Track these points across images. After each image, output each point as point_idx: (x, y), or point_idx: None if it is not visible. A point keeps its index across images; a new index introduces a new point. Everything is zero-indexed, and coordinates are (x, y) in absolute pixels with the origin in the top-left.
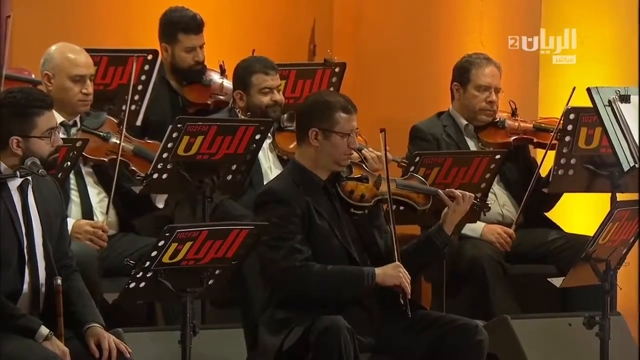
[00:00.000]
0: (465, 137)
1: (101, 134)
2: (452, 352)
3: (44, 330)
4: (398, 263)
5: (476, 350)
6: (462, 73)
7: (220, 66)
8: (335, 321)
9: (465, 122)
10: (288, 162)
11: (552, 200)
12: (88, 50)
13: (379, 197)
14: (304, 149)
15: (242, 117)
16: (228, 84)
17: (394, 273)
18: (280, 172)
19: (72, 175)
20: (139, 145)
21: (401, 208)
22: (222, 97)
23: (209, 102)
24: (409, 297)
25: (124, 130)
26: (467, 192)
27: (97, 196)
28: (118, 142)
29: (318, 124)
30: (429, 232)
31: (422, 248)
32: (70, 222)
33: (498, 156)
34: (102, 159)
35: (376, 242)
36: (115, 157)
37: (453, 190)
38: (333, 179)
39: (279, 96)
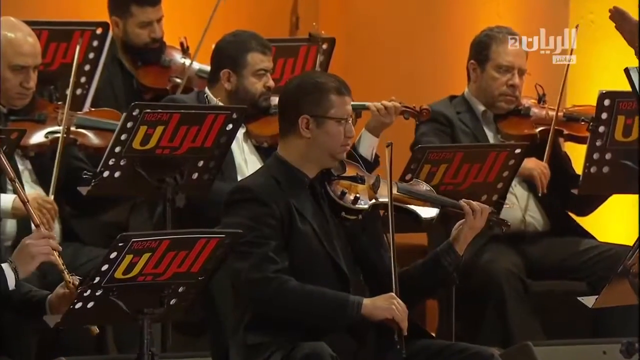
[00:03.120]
0: (484, 126)
1: (35, 118)
2: None
3: None
4: (392, 294)
5: None
6: (481, 49)
7: (182, 44)
8: (317, 348)
9: (482, 108)
10: (269, 158)
11: (592, 201)
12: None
13: (376, 202)
14: (290, 142)
15: (217, 102)
16: (195, 65)
17: (385, 305)
18: (258, 163)
19: None
20: (83, 116)
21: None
22: (181, 81)
23: (167, 86)
24: (405, 334)
25: (66, 113)
26: (484, 205)
27: None
28: (57, 124)
29: (308, 110)
30: (437, 251)
31: (428, 270)
32: (10, 198)
33: (518, 150)
34: (43, 142)
35: (370, 254)
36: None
37: (470, 202)
38: (322, 177)
39: (271, 81)
